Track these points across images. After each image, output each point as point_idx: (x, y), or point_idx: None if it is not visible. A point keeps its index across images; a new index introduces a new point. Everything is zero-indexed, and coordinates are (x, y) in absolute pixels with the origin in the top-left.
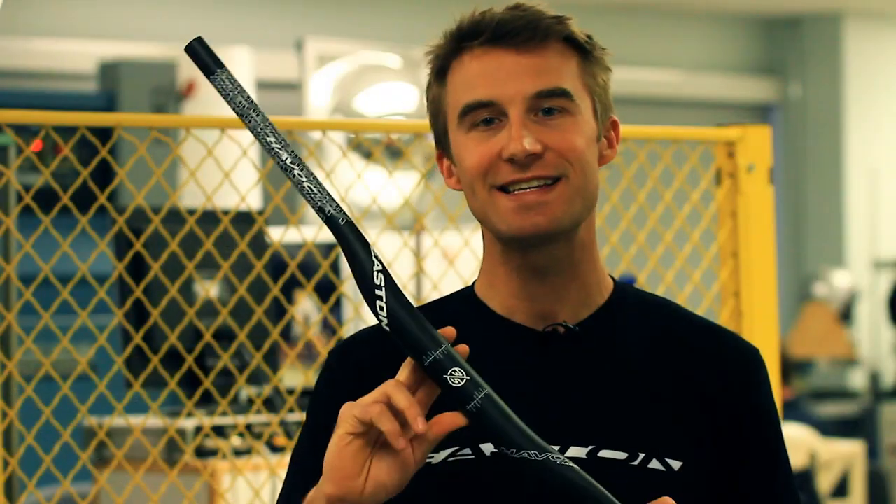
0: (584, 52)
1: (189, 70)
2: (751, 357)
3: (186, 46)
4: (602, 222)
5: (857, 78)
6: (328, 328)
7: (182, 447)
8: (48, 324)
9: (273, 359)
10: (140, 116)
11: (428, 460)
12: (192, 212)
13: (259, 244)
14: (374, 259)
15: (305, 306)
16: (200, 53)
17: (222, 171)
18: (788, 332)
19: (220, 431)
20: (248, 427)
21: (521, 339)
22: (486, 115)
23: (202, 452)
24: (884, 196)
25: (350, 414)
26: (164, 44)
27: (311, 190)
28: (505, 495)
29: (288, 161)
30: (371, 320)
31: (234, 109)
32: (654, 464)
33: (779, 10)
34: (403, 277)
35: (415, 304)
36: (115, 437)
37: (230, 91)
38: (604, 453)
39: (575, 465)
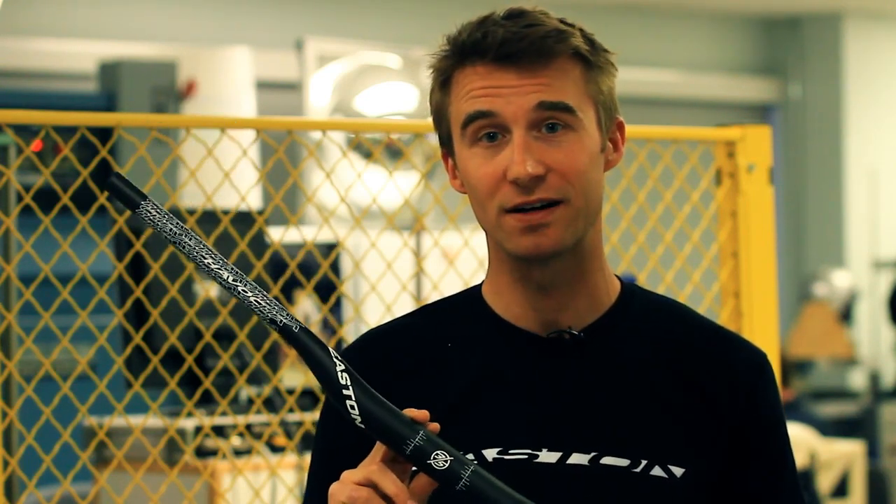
0: (587, 62)
1: (189, 70)
2: (758, 362)
3: (106, 184)
4: (602, 222)
5: (857, 78)
6: (328, 328)
7: (182, 447)
8: (48, 324)
9: (273, 359)
10: (140, 116)
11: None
12: (192, 212)
13: (259, 244)
14: (334, 360)
15: (305, 306)
16: (122, 189)
17: (222, 171)
18: (788, 332)
19: (220, 431)
20: (248, 427)
21: (525, 344)
22: (489, 128)
23: (202, 452)
24: (884, 196)
25: (338, 500)
26: (164, 44)
27: (259, 304)
28: None
29: (230, 279)
30: (372, 319)
31: (165, 238)
32: (657, 471)
33: (779, 10)
34: (403, 277)
35: (415, 305)
36: (115, 437)
37: (158, 220)
38: (606, 460)
39: None
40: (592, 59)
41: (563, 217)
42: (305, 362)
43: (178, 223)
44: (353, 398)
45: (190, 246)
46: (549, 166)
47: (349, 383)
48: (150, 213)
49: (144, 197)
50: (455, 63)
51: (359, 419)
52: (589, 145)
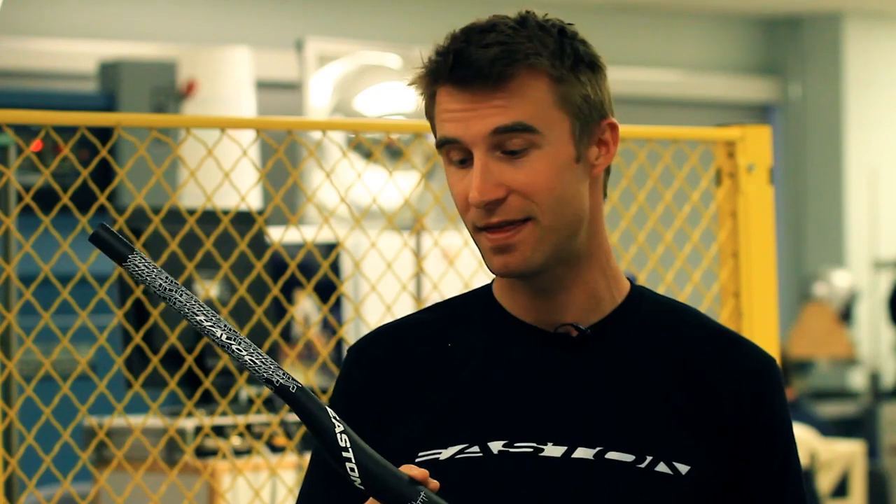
0: (552, 76)
1: (189, 70)
2: (765, 367)
3: (91, 236)
4: (603, 223)
5: (857, 78)
6: (328, 328)
7: (182, 447)
8: (48, 324)
9: (273, 359)
10: (140, 116)
11: (435, 456)
12: (192, 212)
13: (259, 244)
14: (333, 420)
15: (305, 306)
16: (108, 241)
17: (222, 171)
18: (788, 332)
19: (220, 431)
20: (248, 427)
21: (532, 339)
22: (458, 154)
23: (202, 452)
24: (884, 196)
25: None
26: (164, 44)
27: (255, 363)
28: (512, 493)
29: (223, 338)
30: (372, 319)
31: (154, 293)
32: (662, 467)
33: (779, 10)
34: (403, 277)
35: (415, 305)
36: (115, 437)
37: (147, 275)
38: (611, 455)
39: None
40: (557, 74)
41: (529, 236)
42: (303, 422)
43: (167, 277)
44: (354, 460)
45: (181, 302)
46: (510, 187)
47: (349, 445)
48: (137, 266)
49: (132, 250)
50: (433, 80)
51: (359, 481)
52: (557, 160)
